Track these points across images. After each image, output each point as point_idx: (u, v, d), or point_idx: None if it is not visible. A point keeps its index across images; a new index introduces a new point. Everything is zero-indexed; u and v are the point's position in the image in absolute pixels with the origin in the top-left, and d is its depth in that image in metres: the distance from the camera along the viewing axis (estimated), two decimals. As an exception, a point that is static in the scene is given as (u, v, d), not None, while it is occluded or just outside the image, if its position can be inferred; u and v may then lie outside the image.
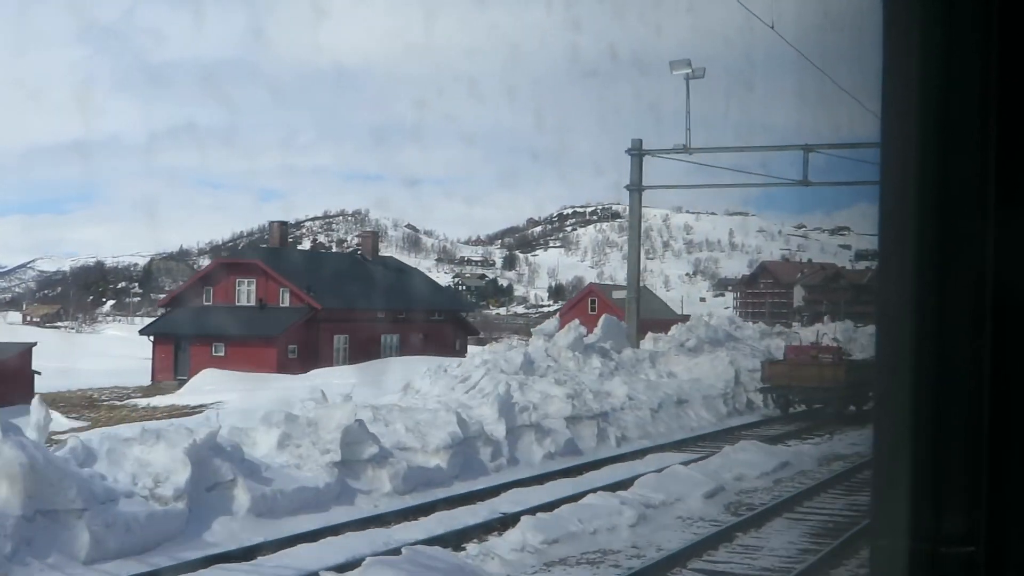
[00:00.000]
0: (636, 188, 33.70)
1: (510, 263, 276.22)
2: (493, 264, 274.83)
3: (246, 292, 53.93)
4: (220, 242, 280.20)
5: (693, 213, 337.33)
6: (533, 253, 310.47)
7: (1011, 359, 1.43)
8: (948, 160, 1.44)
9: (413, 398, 23.32)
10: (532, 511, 14.66)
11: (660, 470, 17.52)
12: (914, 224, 1.44)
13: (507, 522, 14.48)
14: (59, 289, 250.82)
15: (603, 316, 33.46)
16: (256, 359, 49.86)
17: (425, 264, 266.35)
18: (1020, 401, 1.43)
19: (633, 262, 35.17)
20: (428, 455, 17.73)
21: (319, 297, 52.71)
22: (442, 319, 60.13)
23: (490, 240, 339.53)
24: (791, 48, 27.75)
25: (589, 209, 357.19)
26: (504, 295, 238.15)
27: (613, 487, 16.37)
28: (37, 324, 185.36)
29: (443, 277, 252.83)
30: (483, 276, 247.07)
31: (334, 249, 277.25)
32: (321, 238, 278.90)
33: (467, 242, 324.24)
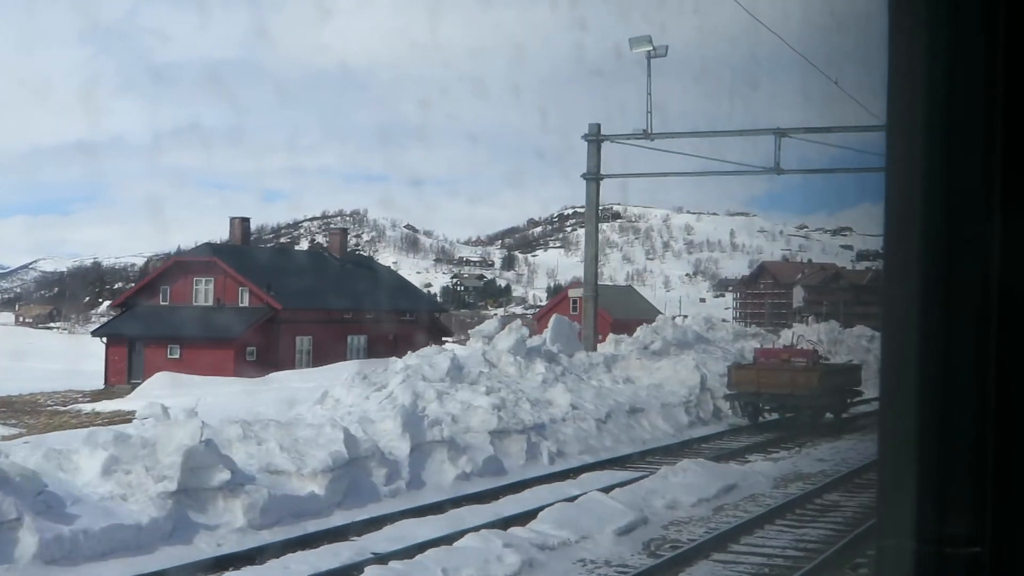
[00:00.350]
0: (593, 177, 30.92)
1: (509, 263, 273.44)
2: (492, 264, 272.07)
3: (204, 291, 51.23)
4: (219, 242, 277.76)
5: (694, 213, 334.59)
6: (533, 253, 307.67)
7: (1016, 360, 1.44)
8: (954, 162, 1.44)
9: (325, 409, 20.57)
10: (400, 554, 11.95)
11: (574, 498, 14.74)
12: (920, 226, 1.44)
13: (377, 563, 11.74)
14: (56, 290, 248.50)
15: (553, 316, 30.74)
16: (212, 362, 47.14)
17: (423, 264, 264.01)
18: None
19: (591, 257, 32.41)
20: (304, 480, 14.98)
21: (280, 296, 49.99)
22: (413, 319, 57.38)
23: (490, 240, 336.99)
24: (793, 49, 25.56)
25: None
26: (502, 295, 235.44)
27: (504, 523, 13.61)
28: (30, 325, 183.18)
29: (441, 277, 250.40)
30: (481, 276, 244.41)
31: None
32: (319, 238, 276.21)
33: (467, 242, 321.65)
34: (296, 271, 53.42)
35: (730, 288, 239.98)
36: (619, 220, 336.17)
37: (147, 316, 50.24)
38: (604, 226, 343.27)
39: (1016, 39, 1.42)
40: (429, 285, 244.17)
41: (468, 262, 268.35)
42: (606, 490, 15.68)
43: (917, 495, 1.46)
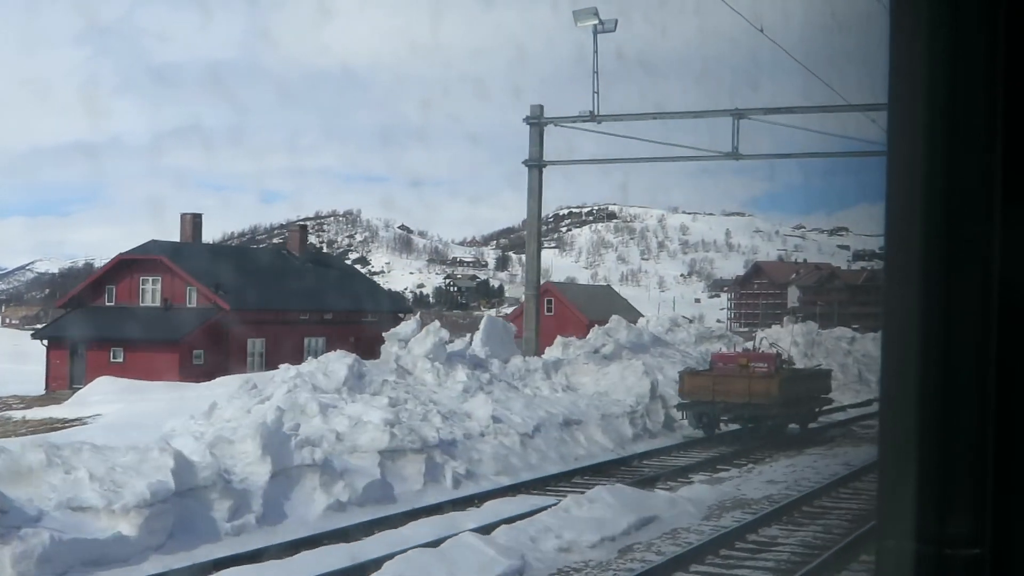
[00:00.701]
0: (536, 163, 28.11)
1: (503, 264, 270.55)
2: (485, 265, 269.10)
3: (151, 291, 48.41)
4: (212, 242, 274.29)
5: (690, 213, 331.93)
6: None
7: (1017, 361, 1.45)
8: (955, 162, 1.45)
9: (201, 425, 17.83)
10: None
11: (437, 542, 11.96)
12: (920, 227, 1.45)
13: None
14: (47, 291, 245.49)
15: (485, 317, 27.98)
16: (157, 365, 44.32)
17: (416, 264, 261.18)
18: None
19: (532, 252, 29.59)
20: (114, 517, 12.20)
21: (231, 296, 47.17)
22: (375, 320, 54.56)
23: (485, 241, 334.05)
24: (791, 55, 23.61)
25: (585, 210, 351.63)
26: (495, 296, 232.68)
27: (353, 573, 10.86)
28: (15, 326, 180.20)
29: (435, 278, 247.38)
30: (474, 277, 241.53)
31: (325, 250, 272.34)
32: (312, 238, 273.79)
33: (462, 243, 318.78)
34: (251, 270, 50.61)
35: (725, 288, 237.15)
36: (615, 220, 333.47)
37: (91, 317, 47.40)
38: (599, 226, 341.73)
39: (1016, 39, 1.42)
40: (422, 286, 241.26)
41: (462, 262, 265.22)
42: (488, 528, 12.91)
43: (917, 496, 1.46)
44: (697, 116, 26.83)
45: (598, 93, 26.21)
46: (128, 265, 48.97)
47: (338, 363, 19.40)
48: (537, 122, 27.83)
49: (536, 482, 18.51)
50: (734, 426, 24.84)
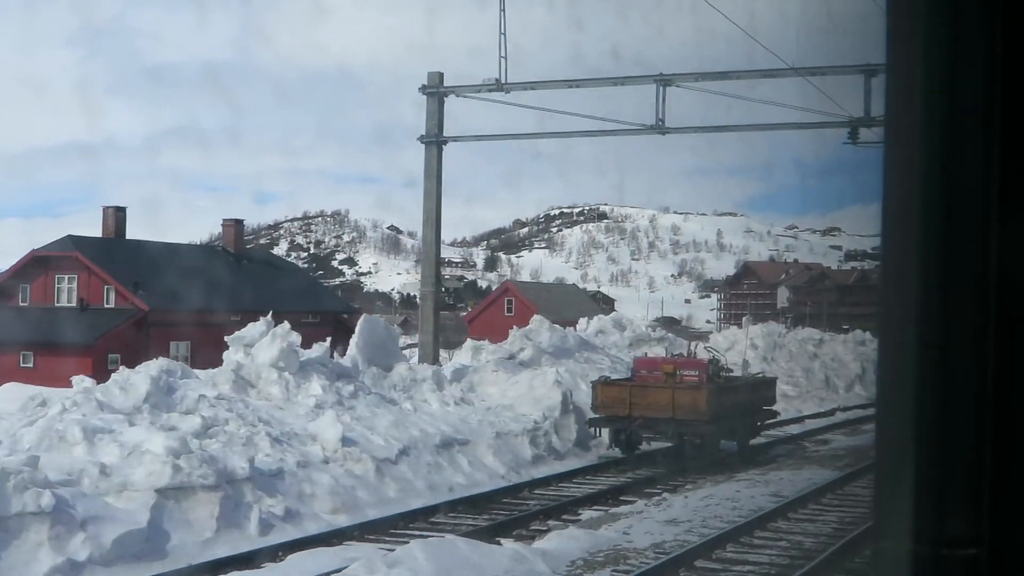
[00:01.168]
0: (434, 139, 24.31)
1: (491, 264, 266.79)
2: (474, 265, 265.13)
3: (67, 290, 44.68)
4: (198, 243, 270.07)
5: (681, 214, 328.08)
6: (518, 254, 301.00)
7: (1015, 361, 1.45)
8: (952, 164, 1.44)
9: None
10: None
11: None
12: (918, 228, 1.45)
13: None
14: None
15: (362, 317, 24.30)
16: (68, 370, 40.43)
17: (404, 265, 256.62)
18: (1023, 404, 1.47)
19: (429, 240, 25.89)
20: None
21: (152, 297, 43.45)
22: (317, 321, 50.82)
23: (476, 241, 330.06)
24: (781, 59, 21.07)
25: (576, 210, 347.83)
26: (483, 297, 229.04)
27: None
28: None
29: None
30: (462, 278, 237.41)
31: (312, 251, 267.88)
32: (299, 239, 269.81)
33: (453, 243, 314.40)
34: (179, 269, 46.79)
35: (715, 289, 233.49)
36: (606, 220, 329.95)
37: (1, 318, 43.68)
38: (590, 226, 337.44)
39: (1014, 40, 1.42)
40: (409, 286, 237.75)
41: (451, 263, 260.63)
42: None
43: (915, 496, 1.45)
44: (616, 83, 22.99)
45: (506, 58, 22.47)
46: (43, 262, 45.26)
47: (140, 375, 15.68)
48: (435, 91, 24.05)
49: (381, 523, 14.80)
50: (665, 443, 21.18)
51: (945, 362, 1.43)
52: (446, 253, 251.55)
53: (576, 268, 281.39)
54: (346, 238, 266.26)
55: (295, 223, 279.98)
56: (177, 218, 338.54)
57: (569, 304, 76.84)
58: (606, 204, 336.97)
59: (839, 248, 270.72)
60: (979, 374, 1.44)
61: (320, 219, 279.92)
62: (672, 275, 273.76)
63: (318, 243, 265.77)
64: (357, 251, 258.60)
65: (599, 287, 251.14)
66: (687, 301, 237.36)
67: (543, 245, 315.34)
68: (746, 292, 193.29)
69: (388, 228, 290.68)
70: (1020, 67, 1.42)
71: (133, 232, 49.69)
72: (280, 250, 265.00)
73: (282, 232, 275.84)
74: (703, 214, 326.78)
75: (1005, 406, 1.44)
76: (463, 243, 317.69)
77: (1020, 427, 1.44)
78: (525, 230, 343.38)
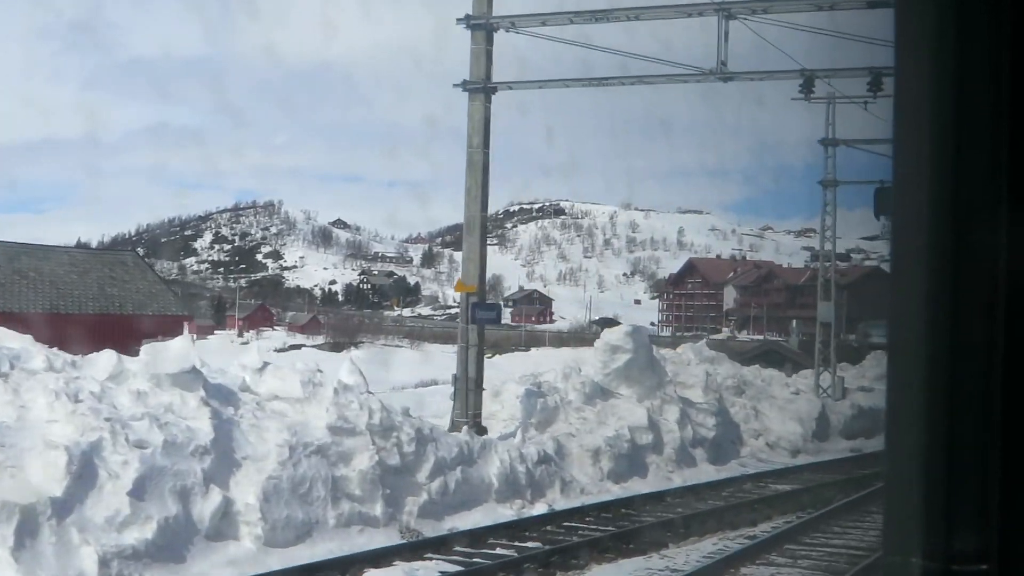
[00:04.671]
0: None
1: (428, 260, 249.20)
2: (410, 261, 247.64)
3: None
4: (127, 235, 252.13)
5: (642, 210, 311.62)
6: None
7: (1023, 376, 1.46)
8: (961, 160, 1.45)
9: None
10: None
11: None
12: (927, 239, 1.45)
13: None
14: None
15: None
16: None
17: (333, 259, 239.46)
18: None
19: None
20: None
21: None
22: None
23: (431, 238, 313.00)
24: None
25: (536, 206, 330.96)
26: (412, 294, 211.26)
27: None
28: None
29: (350, 274, 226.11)
30: (391, 274, 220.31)
31: (236, 243, 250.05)
32: (224, 231, 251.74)
33: (407, 240, 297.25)
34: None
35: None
36: (562, 216, 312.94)
37: None
38: (545, 223, 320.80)
39: (1021, 44, 1.42)
40: (334, 282, 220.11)
41: (384, 258, 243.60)
42: None
43: (923, 511, 1.46)
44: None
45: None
46: None
47: None
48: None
49: None
50: None
51: (953, 375, 1.42)
52: (379, 248, 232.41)
53: (524, 265, 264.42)
54: (273, 230, 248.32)
55: (225, 214, 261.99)
56: (161, 214, 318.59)
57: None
58: (566, 200, 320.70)
59: (811, 249, 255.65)
60: (987, 389, 1.42)
61: (252, 209, 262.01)
62: (624, 274, 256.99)
63: (244, 234, 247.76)
64: (284, 244, 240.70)
65: (545, 286, 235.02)
66: (637, 302, 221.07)
67: (495, 241, 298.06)
68: (691, 292, 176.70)
69: (333, 223, 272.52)
70: None
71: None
72: (203, 243, 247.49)
73: (210, 223, 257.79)
74: (665, 211, 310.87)
75: (1014, 421, 1.42)
76: (418, 239, 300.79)
77: None
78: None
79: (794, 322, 50.69)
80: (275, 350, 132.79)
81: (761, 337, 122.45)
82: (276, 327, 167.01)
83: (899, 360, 1.47)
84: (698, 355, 27.36)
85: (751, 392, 26.79)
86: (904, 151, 1.46)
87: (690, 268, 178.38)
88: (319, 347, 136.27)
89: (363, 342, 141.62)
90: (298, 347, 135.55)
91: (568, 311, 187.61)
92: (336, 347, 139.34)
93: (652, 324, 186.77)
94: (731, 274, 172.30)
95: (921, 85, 1.43)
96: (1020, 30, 1.40)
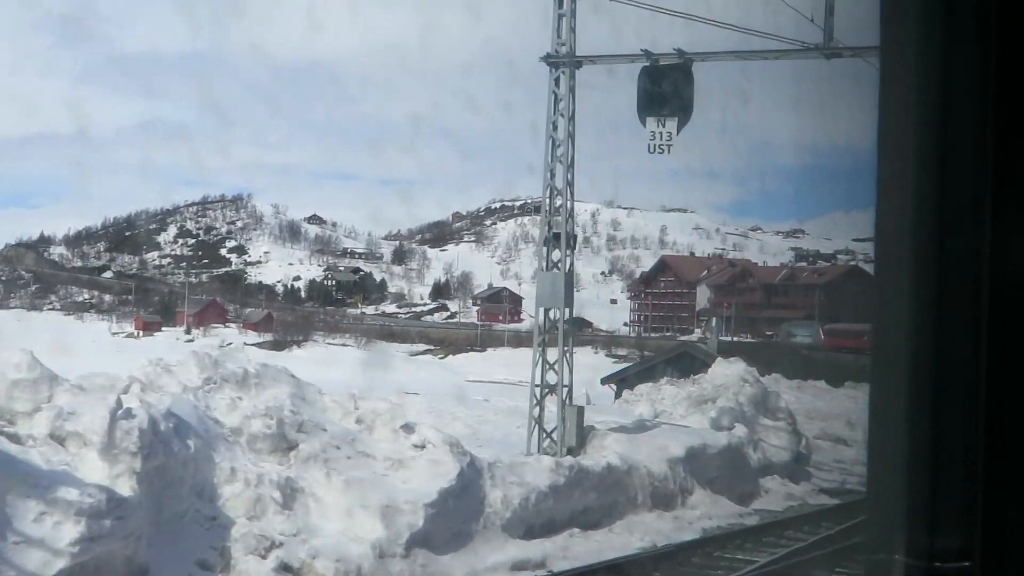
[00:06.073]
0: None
1: (400, 257, 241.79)
2: (380, 258, 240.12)
3: None
4: (92, 228, 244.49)
5: (625, 208, 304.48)
6: (443, 248, 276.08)
7: (1006, 377, 1.46)
8: (946, 165, 1.45)
9: None
10: None
11: None
12: (911, 243, 1.45)
13: None
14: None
15: None
16: None
17: (300, 255, 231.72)
18: (1015, 419, 1.45)
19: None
20: None
21: None
22: None
23: (411, 235, 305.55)
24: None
25: (519, 203, 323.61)
26: (377, 291, 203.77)
27: None
28: None
29: (316, 270, 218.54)
30: (357, 270, 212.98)
31: (200, 237, 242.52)
32: (190, 224, 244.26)
33: (387, 236, 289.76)
34: None
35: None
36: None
37: None
38: (525, 220, 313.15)
39: (1008, 42, 1.42)
40: (298, 278, 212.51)
41: (353, 254, 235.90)
42: None
43: (907, 510, 1.46)
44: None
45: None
46: None
47: None
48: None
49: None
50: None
51: (937, 377, 1.42)
52: (348, 243, 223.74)
53: (499, 263, 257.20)
54: (239, 224, 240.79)
55: (192, 207, 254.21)
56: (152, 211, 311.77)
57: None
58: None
59: (798, 250, 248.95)
60: (970, 390, 1.42)
61: (221, 202, 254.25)
62: (602, 273, 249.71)
63: (209, 228, 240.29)
64: (250, 239, 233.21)
65: (520, 284, 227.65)
66: (613, 301, 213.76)
67: (472, 239, 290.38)
68: (664, 291, 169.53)
69: (308, 219, 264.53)
70: (1013, 70, 1.40)
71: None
72: (167, 236, 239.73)
73: (177, 217, 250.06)
74: (648, 210, 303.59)
75: (997, 421, 1.42)
76: (397, 236, 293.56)
77: (1011, 442, 1.42)
78: (461, 223, 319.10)
79: (714, 320, 43.31)
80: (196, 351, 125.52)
81: (729, 338, 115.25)
82: (229, 324, 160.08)
83: (883, 361, 1.47)
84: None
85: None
86: (889, 157, 1.43)
87: (662, 266, 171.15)
88: (259, 345, 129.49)
89: (306, 341, 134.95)
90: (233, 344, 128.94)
91: (534, 310, 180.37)
92: (278, 346, 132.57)
93: (625, 324, 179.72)
94: (705, 272, 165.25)
95: (907, 91, 1.41)
96: (1006, 39, 1.38)
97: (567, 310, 18.48)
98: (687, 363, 41.20)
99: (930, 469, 1.44)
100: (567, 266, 18.67)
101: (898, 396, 1.45)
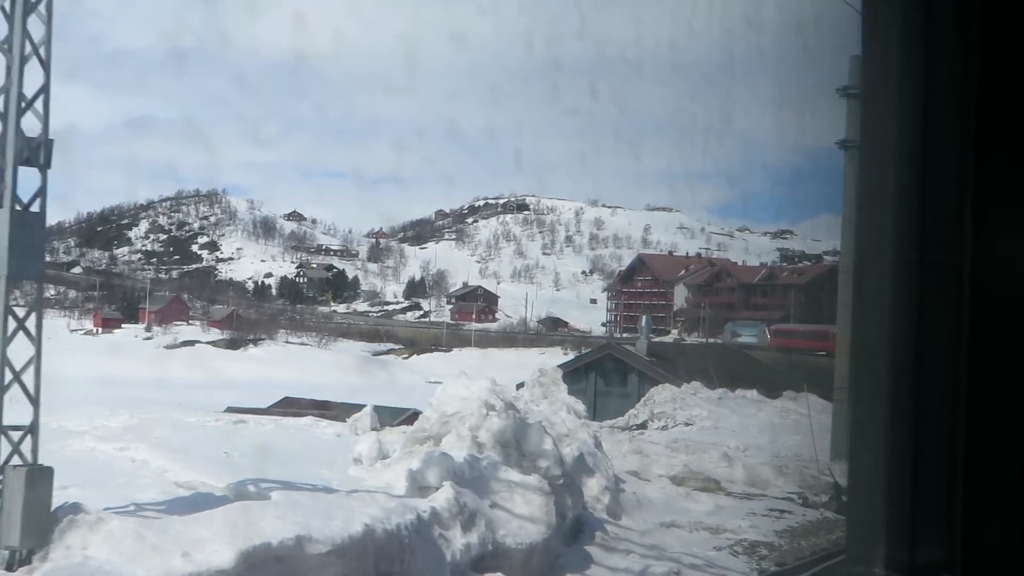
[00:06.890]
0: None
1: (376, 254, 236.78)
2: (356, 255, 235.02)
3: None
4: (64, 224, 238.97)
5: (610, 207, 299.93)
6: (423, 245, 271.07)
7: (985, 393, 1.46)
8: (928, 192, 1.44)
9: None
10: None
11: None
12: (891, 256, 1.43)
13: None
14: None
15: None
16: None
17: (273, 251, 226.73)
18: (994, 434, 1.45)
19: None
20: None
21: None
22: None
23: (393, 233, 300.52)
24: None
25: (502, 201, 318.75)
26: (350, 289, 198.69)
27: None
28: None
29: (288, 267, 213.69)
30: (330, 267, 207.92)
31: (172, 232, 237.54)
32: (162, 220, 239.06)
33: (368, 234, 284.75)
34: None
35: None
36: (525, 212, 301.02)
37: None
38: (507, 218, 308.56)
39: (989, 49, 1.41)
40: (269, 275, 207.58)
41: (327, 250, 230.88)
42: None
43: (886, 522, 1.45)
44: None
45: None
46: None
47: None
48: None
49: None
50: None
51: (917, 393, 1.42)
52: (324, 240, 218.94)
53: (479, 262, 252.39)
54: (212, 219, 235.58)
55: (167, 202, 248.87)
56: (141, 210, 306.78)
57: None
58: (532, 195, 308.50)
59: (784, 250, 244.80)
60: (951, 405, 1.42)
61: (195, 197, 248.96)
62: (583, 272, 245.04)
63: (181, 224, 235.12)
64: (223, 234, 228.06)
65: (499, 283, 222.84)
66: (593, 301, 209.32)
67: (452, 236, 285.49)
68: (640, 290, 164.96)
69: (287, 216, 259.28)
70: (993, 70, 1.39)
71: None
72: (139, 231, 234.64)
73: (151, 212, 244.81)
74: (632, 209, 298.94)
75: (976, 437, 1.43)
76: (379, 234, 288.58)
77: (991, 457, 1.43)
78: (444, 221, 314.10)
79: (644, 319, 38.17)
80: (166, 347, 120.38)
81: (703, 340, 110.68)
82: (192, 321, 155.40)
83: (863, 373, 1.47)
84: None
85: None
86: (870, 167, 1.43)
87: (639, 265, 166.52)
88: (214, 344, 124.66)
89: (265, 339, 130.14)
90: (191, 343, 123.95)
91: (517, 309, 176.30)
92: (233, 344, 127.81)
93: (603, 324, 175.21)
94: (683, 272, 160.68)
95: (888, 103, 1.40)
96: (986, 49, 1.37)
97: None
98: (609, 372, 36.43)
99: (910, 481, 1.43)
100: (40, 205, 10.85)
101: (878, 408, 1.43)
